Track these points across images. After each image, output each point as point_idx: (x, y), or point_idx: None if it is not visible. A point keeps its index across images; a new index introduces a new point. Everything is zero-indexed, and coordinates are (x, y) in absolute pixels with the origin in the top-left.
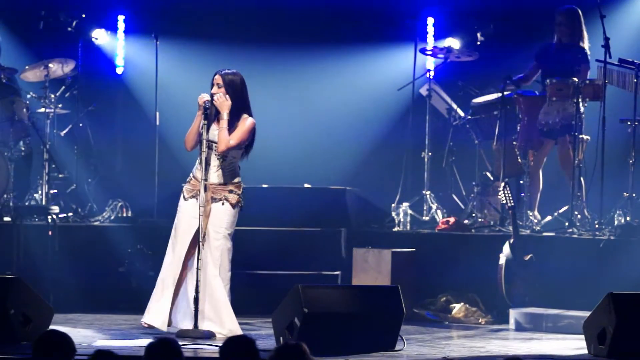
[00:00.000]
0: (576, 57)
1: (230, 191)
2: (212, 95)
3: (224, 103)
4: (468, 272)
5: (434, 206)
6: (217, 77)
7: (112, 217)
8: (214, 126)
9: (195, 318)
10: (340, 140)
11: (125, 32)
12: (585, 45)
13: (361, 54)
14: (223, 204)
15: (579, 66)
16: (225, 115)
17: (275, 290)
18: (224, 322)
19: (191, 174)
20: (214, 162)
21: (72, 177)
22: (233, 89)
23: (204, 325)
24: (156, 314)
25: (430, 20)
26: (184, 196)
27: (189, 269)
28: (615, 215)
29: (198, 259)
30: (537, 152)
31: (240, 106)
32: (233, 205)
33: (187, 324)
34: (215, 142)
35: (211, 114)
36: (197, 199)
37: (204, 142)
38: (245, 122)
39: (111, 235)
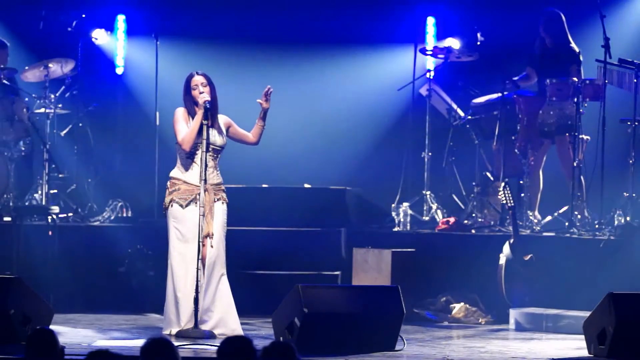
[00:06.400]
0: (568, 57)
1: (223, 190)
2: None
3: None
4: (468, 272)
5: (434, 206)
6: (199, 77)
7: (112, 217)
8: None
9: (195, 318)
10: (340, 140)
11: (125, 32)
12: (573, 44)
13: (361, 54)
14: (223, 202)
15: (572, 66)
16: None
17: (275, 290)
18: (228, 322)
19: (177, 181)
20: (210, 163)
21: (72, 177)
22: (213, 87)
23: (209, 325)
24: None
25: (430, 20)
26: (180, 204)
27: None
28: (615, 215)
29: (198, 259)
30: (537, 152)
31: (217, 104)
32: (227, 203)
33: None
34: (213, 144)
35: (213, 114)
36: (196, 203)
37: (204, 142)
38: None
39: (111, 235)
